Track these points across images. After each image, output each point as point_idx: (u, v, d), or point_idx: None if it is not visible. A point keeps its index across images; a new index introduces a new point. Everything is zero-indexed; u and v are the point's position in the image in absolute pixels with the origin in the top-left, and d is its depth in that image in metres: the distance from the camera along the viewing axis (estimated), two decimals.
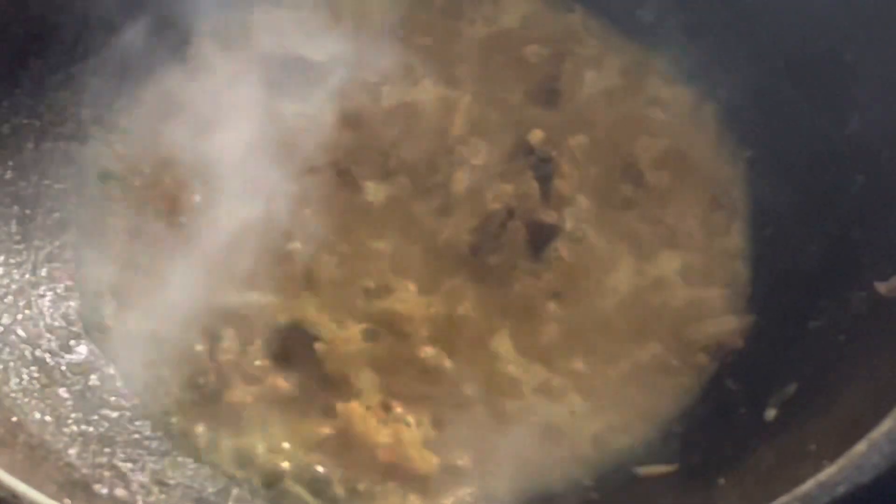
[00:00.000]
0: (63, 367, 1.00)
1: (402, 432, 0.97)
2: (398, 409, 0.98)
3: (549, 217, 1.07)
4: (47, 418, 0.95)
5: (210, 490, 0.96)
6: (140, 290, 1.04)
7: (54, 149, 1.08)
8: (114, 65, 1.11)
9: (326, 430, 0.98)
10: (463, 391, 1.00)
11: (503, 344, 1.02)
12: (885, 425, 0.77)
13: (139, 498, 0.93)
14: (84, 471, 0.92)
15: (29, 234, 1.05)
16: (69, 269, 1.05)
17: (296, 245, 1.05)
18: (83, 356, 1.01)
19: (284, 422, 0.98)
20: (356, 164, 1.09)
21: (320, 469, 0.96)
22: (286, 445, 0.97)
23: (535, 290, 1.04)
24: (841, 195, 1.00)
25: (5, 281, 1.02)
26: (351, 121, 1.11)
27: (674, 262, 1.06)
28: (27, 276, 1.03)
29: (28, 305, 1.02)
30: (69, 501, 0.83)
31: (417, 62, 1.14)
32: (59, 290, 1.04)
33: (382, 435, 0.97)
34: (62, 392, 0.98)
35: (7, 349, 0.98)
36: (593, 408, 1.00)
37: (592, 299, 1.04)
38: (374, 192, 1.08)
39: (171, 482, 0.95)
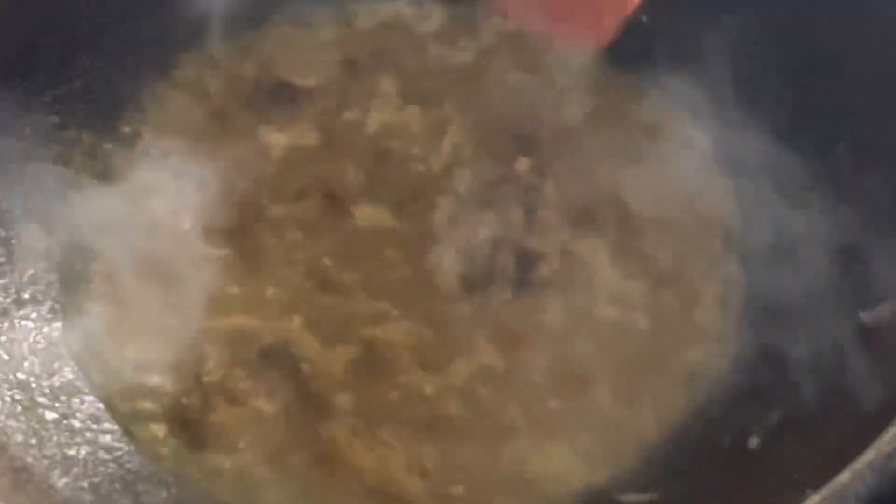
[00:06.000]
0: (46, 390, 0.99)
1: (388, 456, 0.98)
2: (383, 434, 0.99)
3: (534, 246, 1.07)
4: (31, 441, 0.94)
5: None
6: (124, 313, 1.04)
7: (39, 171, 1.08)
8: (100, 88, 1.12)
9: (311, 453, 0.98)
10: (447, 417, 1.00)
11: (488, 371, 1.02)
12: (868, 455, 0.78)
13: None
14: (67, 493, 0.92)
15: (13, 256, 1.04)
16: (53, 291, 1.05)
17: (282, 268, 1.05)
18: (66, 379, 1.01)
19: (269, 444, 0.98)
20: (344, 190, 1.09)
21: (305, 492, 0.97)
22: (271, 468, 0.97)
23: (521, 318, 1.05)
24: (827, 224, 1.01)
25: None
26: (338, 146, 1.11)
27: (658, 291, 1.06)
28: (11, 298, 1.03)
29: (11, 328, 1.01)
30: None
31: (404, 88, 1.15)
32: (42, 313, 1.03)
33: (368, 459, 0.97)
34: (45, 414, 0.97)
35: None
36: (577, 435, 1.00)
37: (578, 328, 1.04)
38: (362, 217, 1.08)
39: None
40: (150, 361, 1.02)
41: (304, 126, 1.12)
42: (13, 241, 1.04)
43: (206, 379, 1.01)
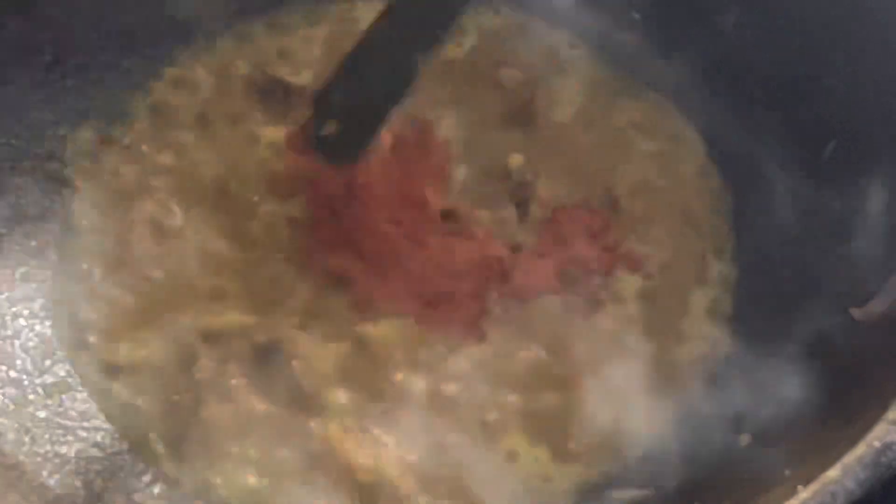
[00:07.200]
0: (38, 388, 0.99)
1: (381, 453, 0.98)
2: (375, 431, 0.99)
3: (526, 243, 1.07)
4: (23, 438, 0.94)
5: None
6: (117, 310, 1.04)
7: (33, 169, 1.08)
8: (93, 85, 1.11)
9: (303, 450, 0.98)
10: (439, 414, 1.00)
11: (482, 370, 1.02)
12: (858, 450, 0.78)
13: None
14: (58, 491, 0.92)
15: (5, 253, 1.04)
16: (46, 288, 1.04)
17: (274, 265, 1.05)
18: (58, 376, 1.01)
19: (261, 442, 0.98)
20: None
21: (299, 491, 0.97)
22: (263, 465, 0.97)
23: (512, 315, 1.04)
24: (818, 221, 1.01)
25: None
26: None
27: (651, 287, 1.06)
28: (3, 295, 1.03)
29: (3, 325, 1.01)
30: None
31: None
32: (35, 310, 1.03)
33: (361, 456, 0.97)
34: (37, 412, 0.97)
35: None
36: (569, 431, 1.00)
37: (570, 324, 1.04)
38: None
39: (147, 503, 0.95)
40: (142, 359, 1.02)
41: (295, 122, 1.12)
42: (5, 239, 1.05)
43: (198, 376, 1.00)
